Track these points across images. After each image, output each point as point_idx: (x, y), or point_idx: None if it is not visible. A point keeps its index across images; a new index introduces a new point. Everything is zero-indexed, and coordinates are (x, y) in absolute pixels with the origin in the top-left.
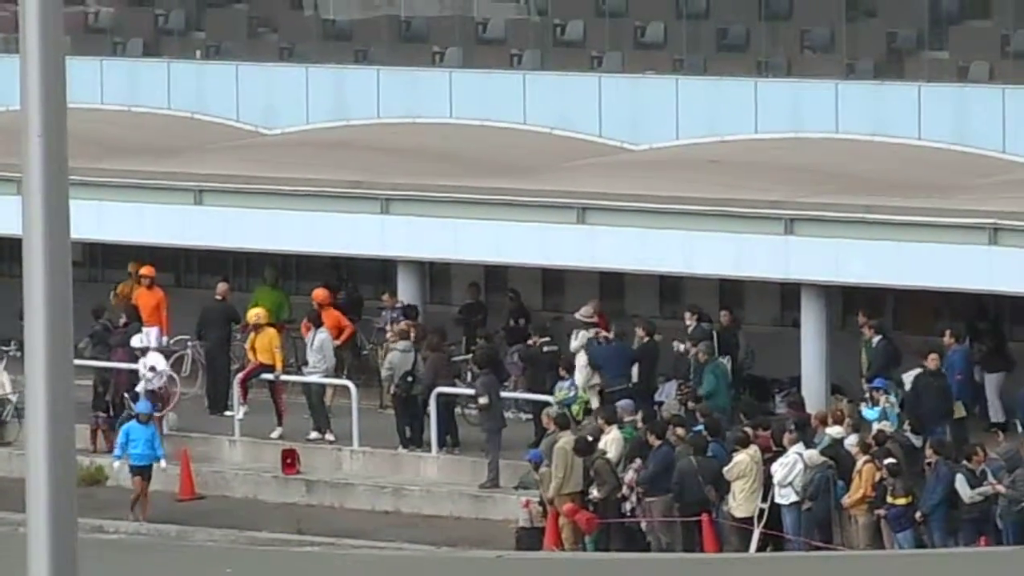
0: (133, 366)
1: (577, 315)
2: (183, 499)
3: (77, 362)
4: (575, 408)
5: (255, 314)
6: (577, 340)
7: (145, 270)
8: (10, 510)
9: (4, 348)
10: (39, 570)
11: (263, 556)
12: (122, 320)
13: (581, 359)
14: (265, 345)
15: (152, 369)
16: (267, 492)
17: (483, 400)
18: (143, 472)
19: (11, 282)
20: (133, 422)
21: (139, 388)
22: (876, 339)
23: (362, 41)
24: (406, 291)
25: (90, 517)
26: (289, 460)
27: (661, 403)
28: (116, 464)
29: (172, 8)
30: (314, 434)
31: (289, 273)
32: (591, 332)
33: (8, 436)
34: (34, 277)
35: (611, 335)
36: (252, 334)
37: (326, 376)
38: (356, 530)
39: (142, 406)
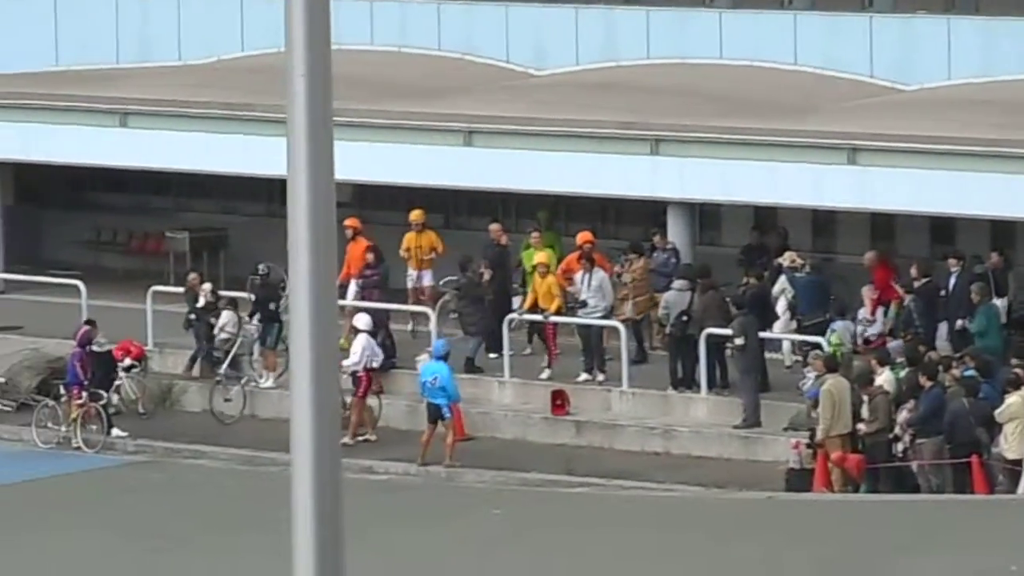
0: (392, 306)
1: (780, 261)
2: (453, 440)
3: (345, 303)
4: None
5: (541, 259)
6: (777, 285)
7: (349, 222)
8: (280, 451)
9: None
10: (304, 510)
11: (532, 497)
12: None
13: (781, 304)
14: (546, 289)
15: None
16: (536, 433)
17: (739, 340)
18: (432, 413)
19: (276, 222)
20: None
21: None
22: None
23: None
24: (676, 232)
25: (360, 457)
26: (559, 401)
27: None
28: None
29: None
30: (584, 375)
31: (558, 214)
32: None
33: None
34: (298, 217)
35: (807, 269)
36: (536, 277)
37: (606, 316)
38: (625, 471)
39: (439, 346)
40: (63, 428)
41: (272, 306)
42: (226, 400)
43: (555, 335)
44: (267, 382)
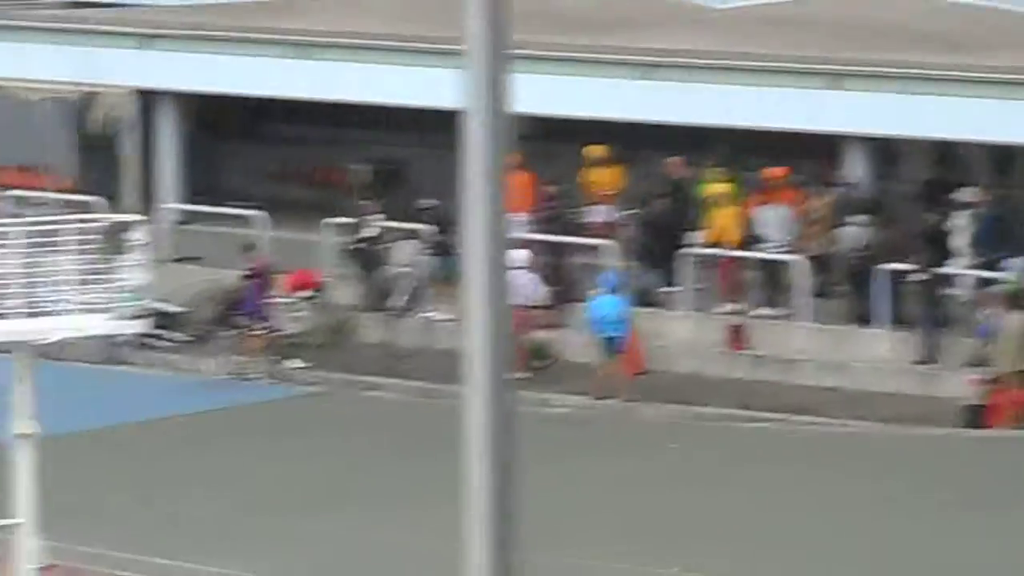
0: (571, 239)
1: (959, 196)
2: (629, 374)
3: (527, 235)
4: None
5: (720, 191)
6: (957, 220)
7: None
8: (456, 383)
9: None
10: (476, 443)
11: (708, 431)
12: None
13: (960, 240)
14: (726, 221)
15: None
16: (713, 367)
17: (917, 276)
18: (608, 346)
19: (457, 155)
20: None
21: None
22: None
23: None
24: (855, 167)
25: (536, 391)
26: (736, 335)
27: None
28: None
29: None
30: (763, 310)
31: (737, 148)
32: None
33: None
34: (475, 151)
35: (987, 205)
36: (716, 210)
37: (786, 250)
38: (802, 406)
39: (610, 278)
40: (241, 359)
41: (443, 238)
42: (401, 332)
43: (735, 269)
44: (442, 314)
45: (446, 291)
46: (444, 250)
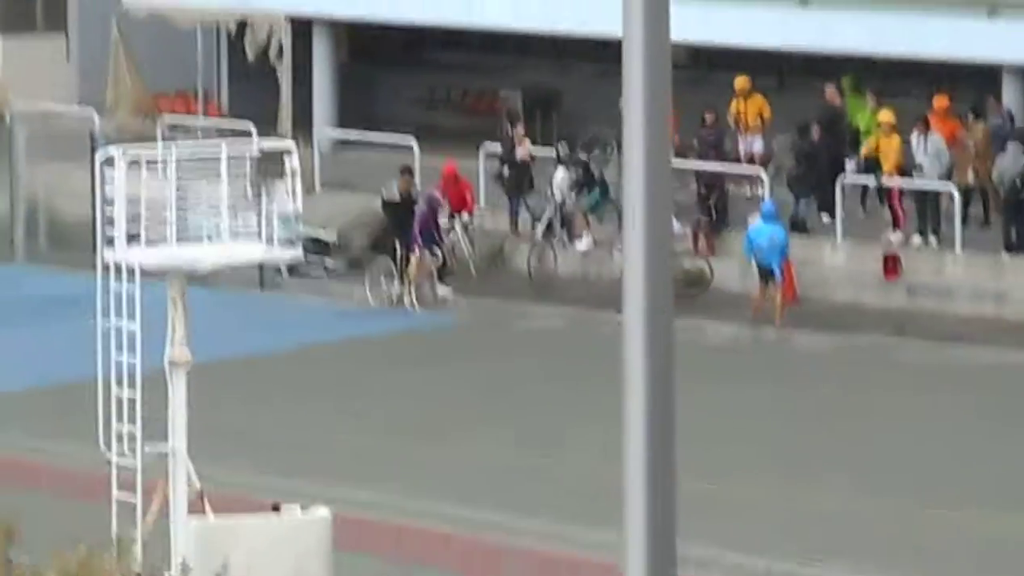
0: (732, 169)
1: None
2: (784, 302)
3: (683, 164)
4: None
5: (887, 118)
6: None
7: None
8: (605, 309)
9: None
10: (635, 369)
11: (863, 360)
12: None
13: None
14: (892, 147)
15: None
16: (868, 295)
17: None
18: (764, 274)
19: (609, 82)
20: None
21: None
22: None
23: None
24: (1011, 97)
25: (690, 319)
26: (891, 264)
27: None
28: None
29: None
30: (917, 239)
31: (891, 77)
32: None
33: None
34: (633, 79)
35: None
36: (882, 136)
37: (942, 180)
38: (957, 335)
39: (769, 206)
40: (396, 285)
41: (590, 165)
42: (538, 261)
43: (900, 198)
44: (582, 244)
45: (593, 220)
46: (592, 179)
